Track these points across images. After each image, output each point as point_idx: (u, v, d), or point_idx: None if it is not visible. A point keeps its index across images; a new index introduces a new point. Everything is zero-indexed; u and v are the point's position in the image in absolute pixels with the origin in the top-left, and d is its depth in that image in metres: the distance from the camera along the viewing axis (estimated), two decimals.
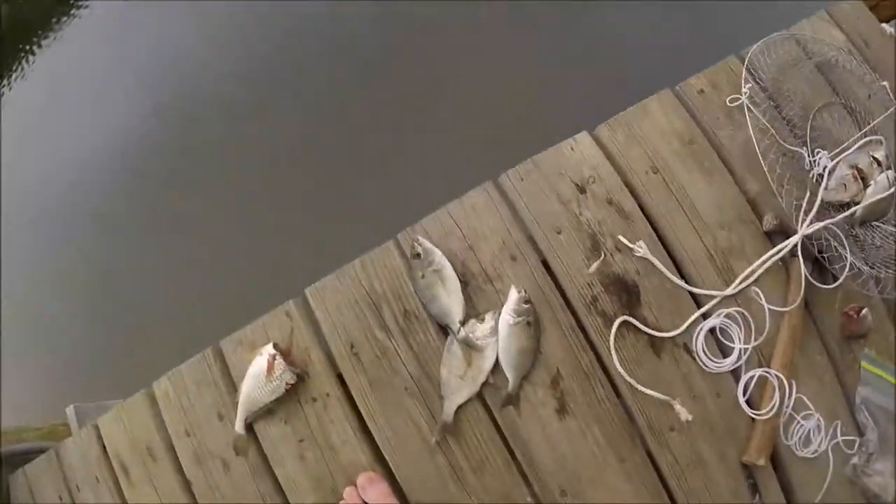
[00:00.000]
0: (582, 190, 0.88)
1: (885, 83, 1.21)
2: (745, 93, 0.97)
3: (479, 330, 0.81)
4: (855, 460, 0.93)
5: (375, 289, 0.86)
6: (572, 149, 0.90)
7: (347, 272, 0.87)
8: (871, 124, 1.13)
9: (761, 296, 0.89)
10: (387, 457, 0.85)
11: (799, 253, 0.91)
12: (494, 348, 0.82)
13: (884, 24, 1.43)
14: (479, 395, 0.83)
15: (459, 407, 0.82)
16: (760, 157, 0.92)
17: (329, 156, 1.84)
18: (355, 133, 1.83)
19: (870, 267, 0.99)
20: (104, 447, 1.06)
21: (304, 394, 0.87)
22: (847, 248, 0.94)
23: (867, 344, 0.97)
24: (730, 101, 0.97)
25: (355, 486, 0.85)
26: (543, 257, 0.86)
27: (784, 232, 0.93)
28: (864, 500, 0.94)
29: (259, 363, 0.87)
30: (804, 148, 1.01)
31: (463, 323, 0.82)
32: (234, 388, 0.90)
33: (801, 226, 0.91)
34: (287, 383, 0.85)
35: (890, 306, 1.02)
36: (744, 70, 1.01)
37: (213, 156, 1.87)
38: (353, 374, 0.85)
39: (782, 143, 0.97)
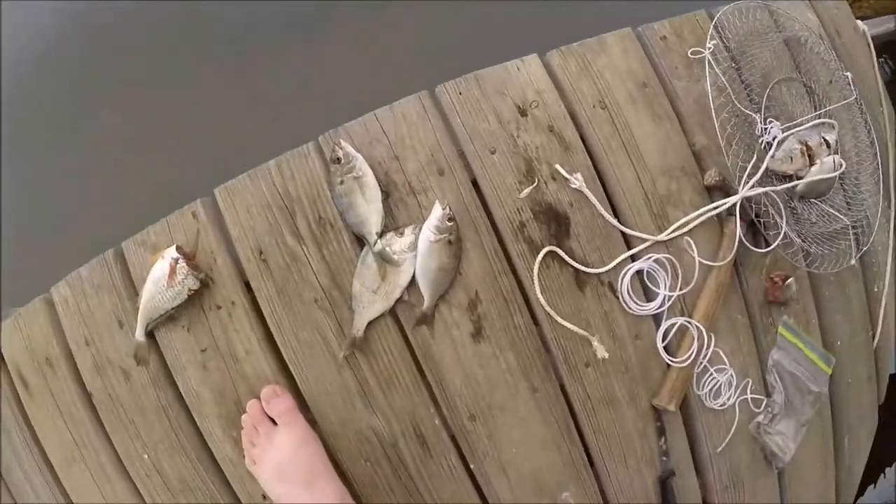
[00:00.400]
0: (523, 113, 0.84)
1: (847, 73, 1.21)
2: (710, 48, 0.94)
3: (397, 244, 0.77)
4: (760, 418, 0.95)
5: (290, 192, 0.80)
6: (518, 69, 0.85)
7: (261, 173, 0.81)
8: (828, 108, 1.13)
9: (693, 247, 0.88)
10: (292, 369, 0.81)
11: (737, 213, 0.90)
12: (412, 264, 0.78)
13: (857, 21, 1.42)
14: (392, 312, 0.80)
15: (371, 322, 0.79)
16: (713, 113, 0.90)
17: (255, 47, 1.69)
18: (289, 21, 1.67)
19: (801, 240, 1.00)
20: (1, 357, 0.99)
21: (209, 301, 0.82)
22: (784, 218, 0.94)
23: (787, 311, 0.98)
24: (691, 53, 0.93)
25: (258, 398, 0.81)
26: (473, 176, 0.82)
27: (724, 190, 0.91)
28: (762, 456, 0.97)
29: (161, 266, 0.80)
30: (758, 114, 1.00)
31: (380, 235, 0.78)
32: (135, 292, 0.84)
33: (743, 187, 0.90)
34: (189, 289, 0.80)
35: (814, 280, 1.03)
36: (711, 27, 0.97)
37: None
38: (261, 281, 0.81)
39: (737, 104, 0.95)
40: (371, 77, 1.56)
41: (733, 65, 1.03)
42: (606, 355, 0.82)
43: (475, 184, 0.82)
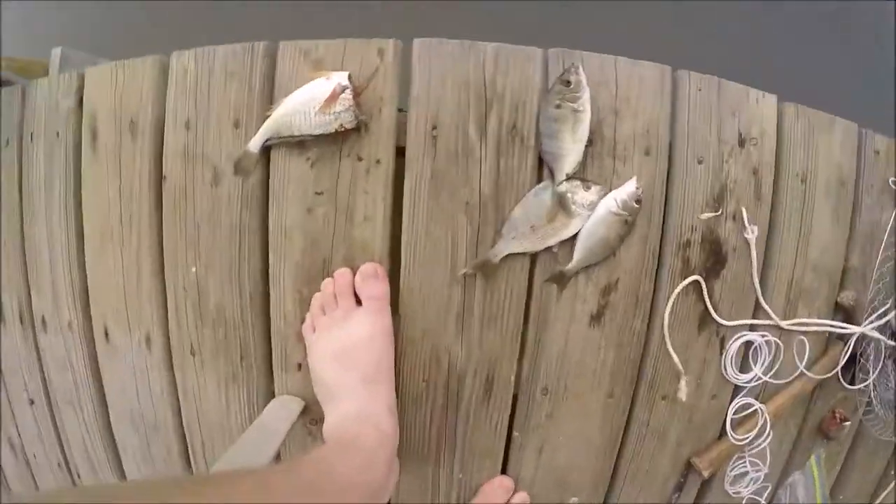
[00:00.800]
0: (742, 143, 0.80)
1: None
2: None
3: (580, 195, 0.73)
4: None
5: (496, 85, 0.72)
6: (757, 101, 0.81)
7: (475, 49, 0.72)
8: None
9: (806, 347, 0.87)
10: (404, 258, 0.75)
11: (852, 343, 0.90)
12: (582, 221, 0.74)
13: None
14: (534, 256, 0.75)
15: (509, 255, 0.74)
16: (882, 247, 0.90)
17: None
18: None
19: (875, 393, 1.01)
20: (81, 101, 0.88)
21: (353, 147, 0.73)
22: (876, 371, 0.94)
23: (827, 446, 1.01)
24: (893, 183, 0.93)
25: (353, 270, 0.75)
26: (671, 171, 0.78)
27: (849, 315, 0.92)
28: None
29: (322, 86, 0.71)
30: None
31: (568, 178, 0.73)
32: (270, 99, 0.74)
33: (866, 324, 0.90)
34: (342, 125, 0.71)
35: (858, 431, 1.06)
36: None
37: None
38: (420, 155, 0.73)
39: None
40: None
41: None
42: (685, 399, 0.82)
43: (668, 180, 0.78)
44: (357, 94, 0.72)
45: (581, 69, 0.72)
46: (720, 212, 0.80)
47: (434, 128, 0.73)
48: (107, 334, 0.89)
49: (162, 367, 0.87)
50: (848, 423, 0.97)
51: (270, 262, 0.78)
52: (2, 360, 1.07)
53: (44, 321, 0.96)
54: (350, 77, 0.71)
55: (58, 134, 0.88)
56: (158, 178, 0.81)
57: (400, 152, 0.75)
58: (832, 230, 0.88)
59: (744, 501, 0.94)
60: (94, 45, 1.14)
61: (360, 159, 0.74)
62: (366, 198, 0.75)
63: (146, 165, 0.81)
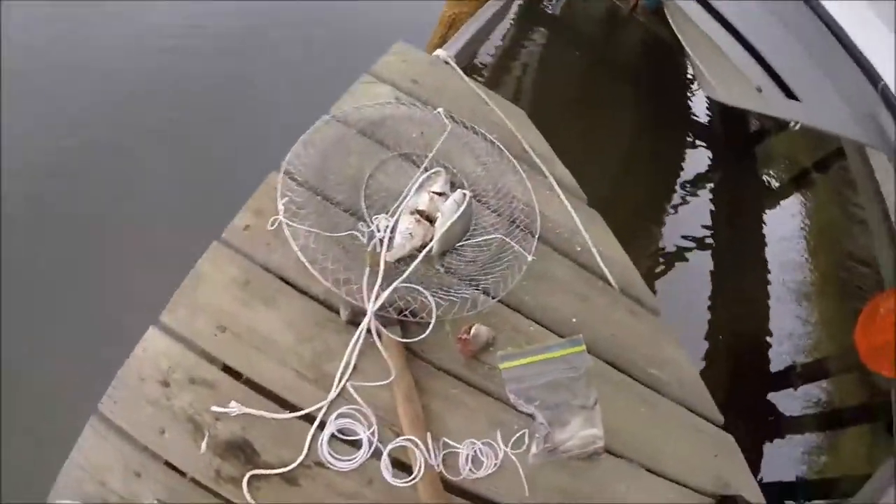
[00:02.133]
0: (166, 384, 0.93)
1: (439, 110, 1.30)
2: (281, 209, 1.04)
3: None
4: (533, 450, 1.02)
5: None
6: (144, 350, 0.95)
7: None
8: (428, 159, 1.18)
9: (355, 390, 0.95)
10: None
11: (373, 328, 0.98)
12: None
13: (437, 52, 1.55)
14: None
15: None
16: (308, 266, 1.00)
17: None
18: None
19: (471, 283, 1.06)
20: None
21: None
22: (429, 291, 1.01)
23: (498, 349, 1.07)
24: (270, 226, 1.04)
25: None
26: (165, 459, 0.89)
27: (362, 315, 0.99)
28: (580, 462, 1.04)
29: None
30: (361, 223, 1.08)
31: None
32: None
33: (369, 305, 0.98)
34: None
35: (513, 297, 1.11)
36: (279, 184, 1.07)
37: None
38: None
39: (330, 235, 1.03)
40: None
41: (319, 197, 1.07)
42: None
43: (170, 465, 0.88)
44: None
45: None
46: (206, 433, 0.91)
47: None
48: None
49: None
50: (474, 326, 1.04)
51: None
52: None
53: None
54: None
55: None
56: None
57: None
58: (277, 311, 0.98)
59: (511, 456, 0.99)
60: None
61: None
62: None
63: None
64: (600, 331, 1.20)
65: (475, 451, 0.99)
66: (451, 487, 0.97)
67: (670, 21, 2.57)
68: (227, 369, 0.96)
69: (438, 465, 0.96)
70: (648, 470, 1.10)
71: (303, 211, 1.05)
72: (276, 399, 0.96)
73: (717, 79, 2.21)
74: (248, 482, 0.90)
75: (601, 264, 1.27)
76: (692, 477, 1.13)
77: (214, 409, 0.93)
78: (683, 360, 1.27)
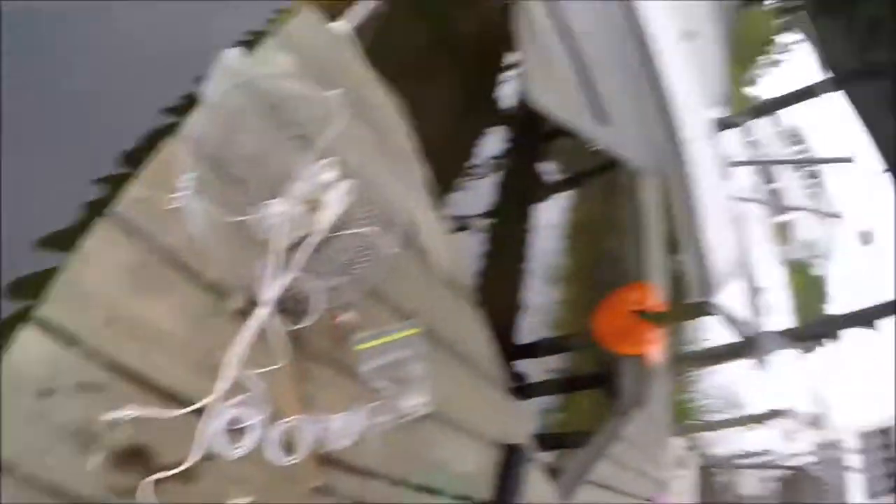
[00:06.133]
0: (48, 393, 0.81)
1: (332, 91, 1.28)
2: (181, 185, 0.94)
3: None
4: (382, 418, 1.25)
5: None
6: (20, 355, 0.80)
7: None
8: (317, 146, 1.15)
9: (248, 378, 0.99)
10: None
11: (265, 316, 1.00)
12: None
13: (337, 23, 1.48)
14: None
15: None
16: (207, 247, 0.95)
17: None
18: None
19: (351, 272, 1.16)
20: None
21: None
22: (313, 279, 1.07)
23: (361, 333, 1.22)
24: (170, 202, 0.93)
25: None
26: (53, 486, 0.80)
27: (254, 303, 1.01)
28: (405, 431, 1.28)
29: None
30: (256, 206, 1.04)
31: None
32: None
33: (263, 292, 1.00)
34: None
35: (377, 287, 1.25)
36: (178, 155, 0.96)
37: None
38: None
39: (229, 217, 1.00)
40: None
41: (223, 172, 1.01)
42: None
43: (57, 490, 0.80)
44: None
45: None
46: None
47: None
48: None
49: None
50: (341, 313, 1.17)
51: None
52: None
53: None
54: None
55: None
56: None
57: None
58: (166, 300, 0.95)
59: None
60: None
61: None
62: None
63: None
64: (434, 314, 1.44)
65: (344, 425, 1.16)
66: (327, 461, 1.13)
67: (514, 14, 2.47)
68: (121, 368, 0.89)
69: (318, 441, 1.11)
70: (460, 428, 1.51)
71: (199, 189, 0.96)
72: (169, 396, 0.93)
73: (541, 81, 2.29)
74: (147, 488, 0.88)
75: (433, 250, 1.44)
76: (489, 431, 1.60)
77: (103, 418, 0.85)
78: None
